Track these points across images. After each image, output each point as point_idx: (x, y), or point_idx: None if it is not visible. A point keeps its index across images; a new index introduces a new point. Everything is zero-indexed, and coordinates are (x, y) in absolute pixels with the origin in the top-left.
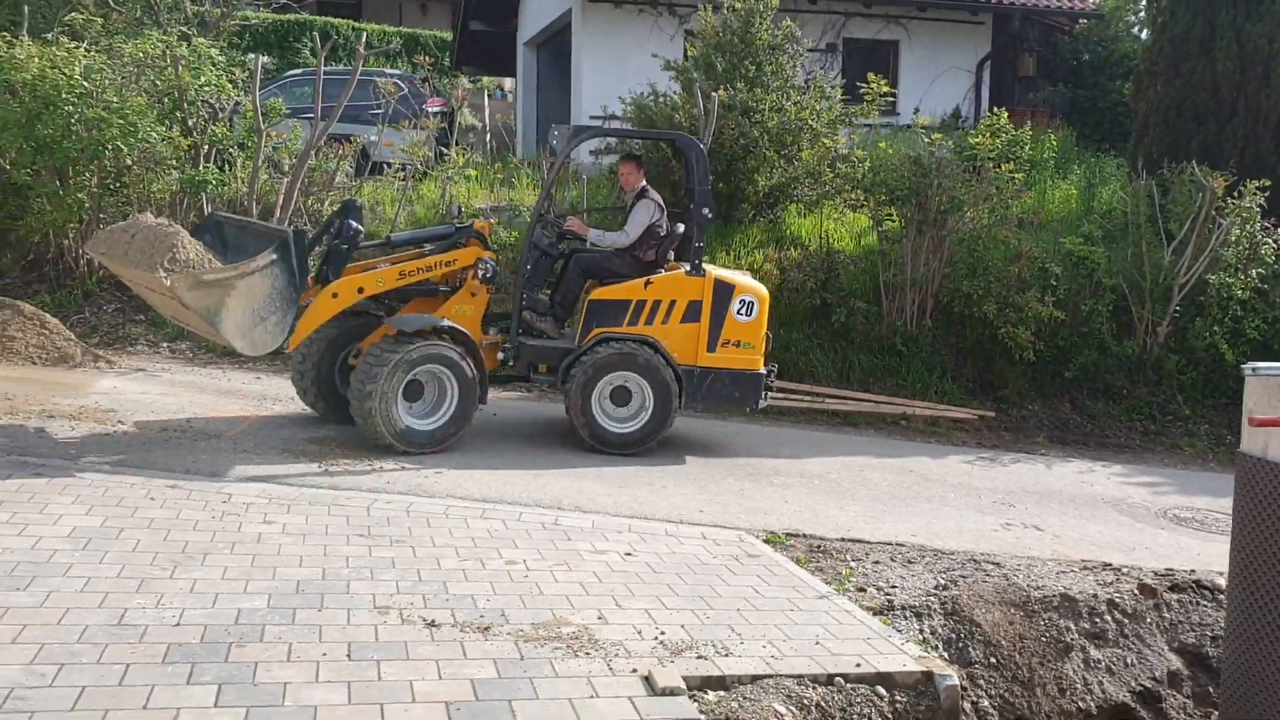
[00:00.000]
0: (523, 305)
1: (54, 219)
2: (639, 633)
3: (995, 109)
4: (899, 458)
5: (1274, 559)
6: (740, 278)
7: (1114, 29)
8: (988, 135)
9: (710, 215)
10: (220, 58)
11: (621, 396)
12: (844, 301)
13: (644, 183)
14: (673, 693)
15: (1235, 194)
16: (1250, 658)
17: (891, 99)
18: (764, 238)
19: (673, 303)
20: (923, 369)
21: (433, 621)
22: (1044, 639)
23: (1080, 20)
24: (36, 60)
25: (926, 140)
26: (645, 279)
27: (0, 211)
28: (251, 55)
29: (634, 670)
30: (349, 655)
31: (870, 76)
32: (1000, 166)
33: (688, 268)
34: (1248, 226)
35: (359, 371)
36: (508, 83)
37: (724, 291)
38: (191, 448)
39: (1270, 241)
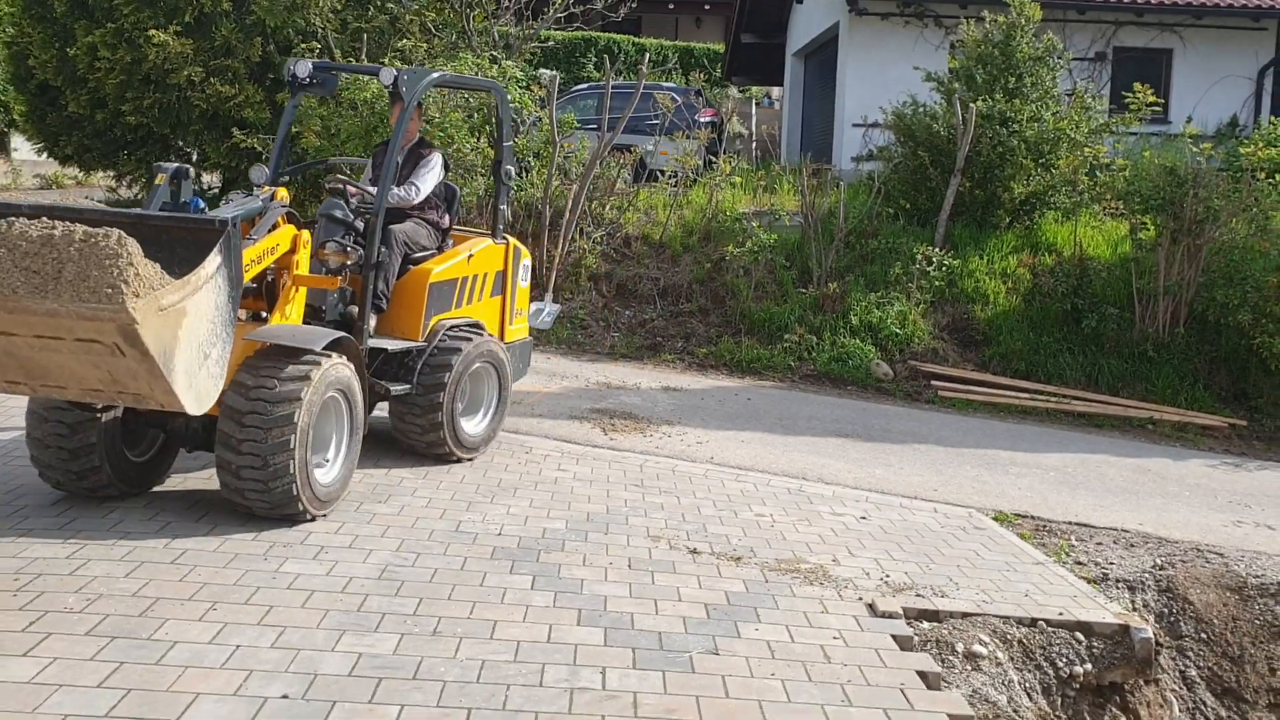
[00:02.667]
0: (377, 295)
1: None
2: (866, 574)
3: (1274, 117)
4: (1139, 458)
5: None
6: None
7: None
8: (1261, 145)
9: (513, 174)
10: (522, 76)
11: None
12: (1095, 307)
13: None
14: (891, 616)
15: None
16: None
17: (1159, 108)
18: (1018, 243)
19: (484, 276)
20: (1173, 376)
21: (694, 549)
22: (1258, 622)
23: None
24: (376, 82)
25: (1194, 150)
26: (468, 252)
27: None
28: (543, 70)
29: (859, 599)
30: (629, 566)
31: (1136, 86)
32: (1274, 177)
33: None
34: None
35: (247, 420)
36: (775, 91)
37: (517, 258)
38: None
39: None
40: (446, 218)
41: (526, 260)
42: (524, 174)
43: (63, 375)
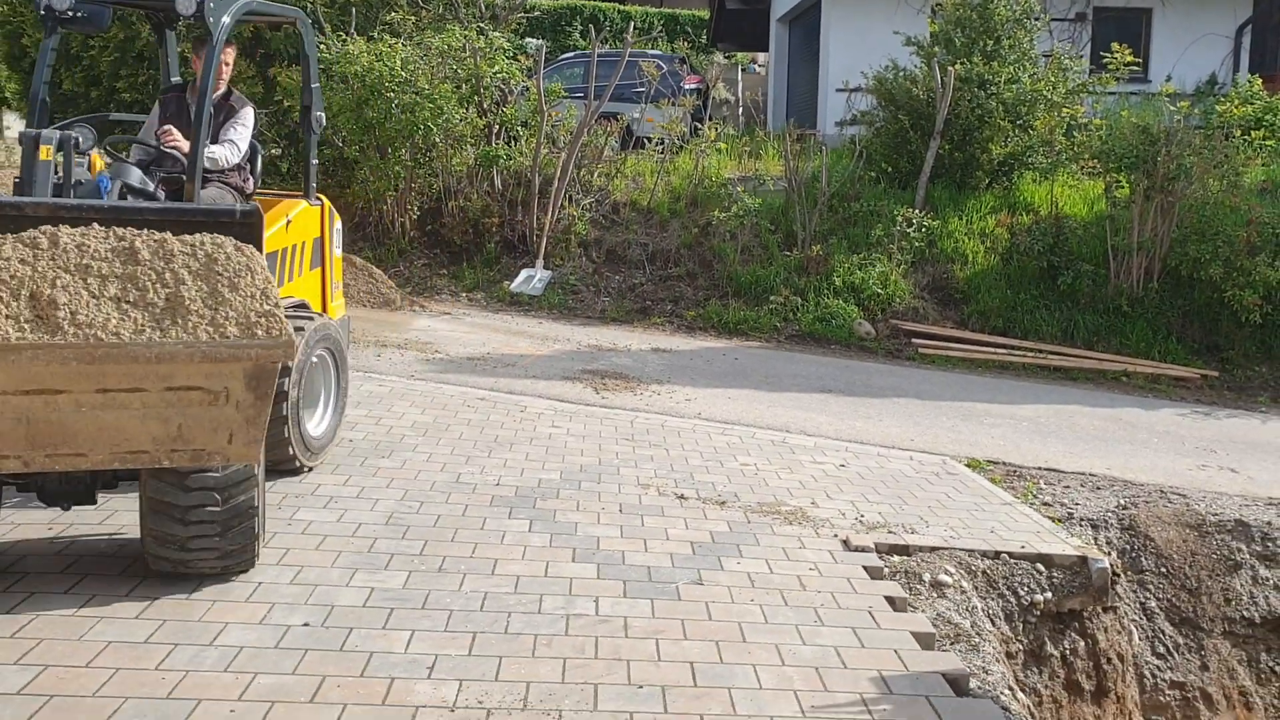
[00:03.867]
0: None
1: (376, 187)
2: (843, 514)
3: (1250, 75)
4: (1111, 408)
5: None
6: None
7: None
8: (1237, 103)
9: (323, 121)
10: (509, 46)
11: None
12: (1071, 264)
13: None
14: (863, 550)
15: None
16: None
17: (1138, 67)
18: (997, 203)
19: (303, 245)
20: (1147, 330)
21: (681, 495)
22: (1214, 556)
23: None
24: (365, 55)
25: (1172, 108)
26: (285, 218)
27: (332, 180)
28: (529, 40)
29: (835, 535)
30: (620, 510)
31: (1115, 46)
32: (1250, 134)
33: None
34: None
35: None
36: (760, 58)
37: (332, 222)
38: (493, 371)
39: None
40: (251, 181)
41: (339, 224)
42: (512, 143)
43: (97, 440)
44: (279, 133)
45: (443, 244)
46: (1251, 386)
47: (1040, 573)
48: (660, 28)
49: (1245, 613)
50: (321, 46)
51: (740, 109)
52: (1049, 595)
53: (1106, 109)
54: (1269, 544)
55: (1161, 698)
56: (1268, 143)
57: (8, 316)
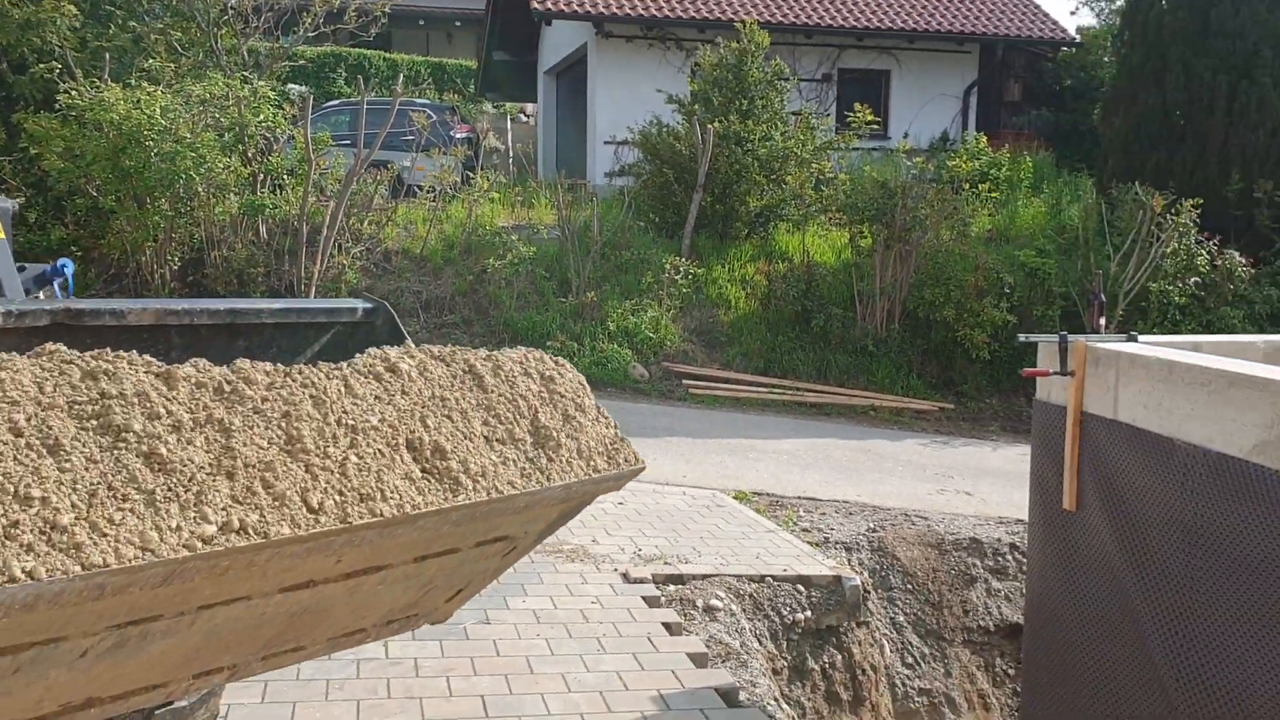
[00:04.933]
0: None
1: (133, 238)
2: (622, 549)
3: (976, 133)
4: (861, 440)
5: (1055, 477)
6: None
7: (1094, 56)
8: (964, 159)
9: None
10: (273, 95)
11: None
12: (823, 308)
13: None
14: (641, 581)
15: (1173, 210)
16: (1041, 567)
17: (878, 125)
18: (755, 252)
19: None
20: (890, 367)
21: None
22: (953, 572)
23: (1062, 48)
24: (122, 103)
25: (909, 164)
26: None
27: (86, 231)
28: (293, 86)
29: (615, 569)
30: None
31: (857, 106)
32: (978, 187)
33: None
34: (1184, 240)
35: None
36: (529, 108)
37: None
38: None
39: (1204, 253)
40: None
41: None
42: (279, 191)
43: (332, 623)
44: (25, 180)
45: (206, 295)
46: (983, 417)
47: (801, 593)
48: (427, 77)
49: (981, 622)
50: (74, 92)
51: (511, 158)
52: (809, 613)
53: (851, 164)
54: (999, 559)
55: (911, 704)
56: (992, 195)
57: (402, 476)
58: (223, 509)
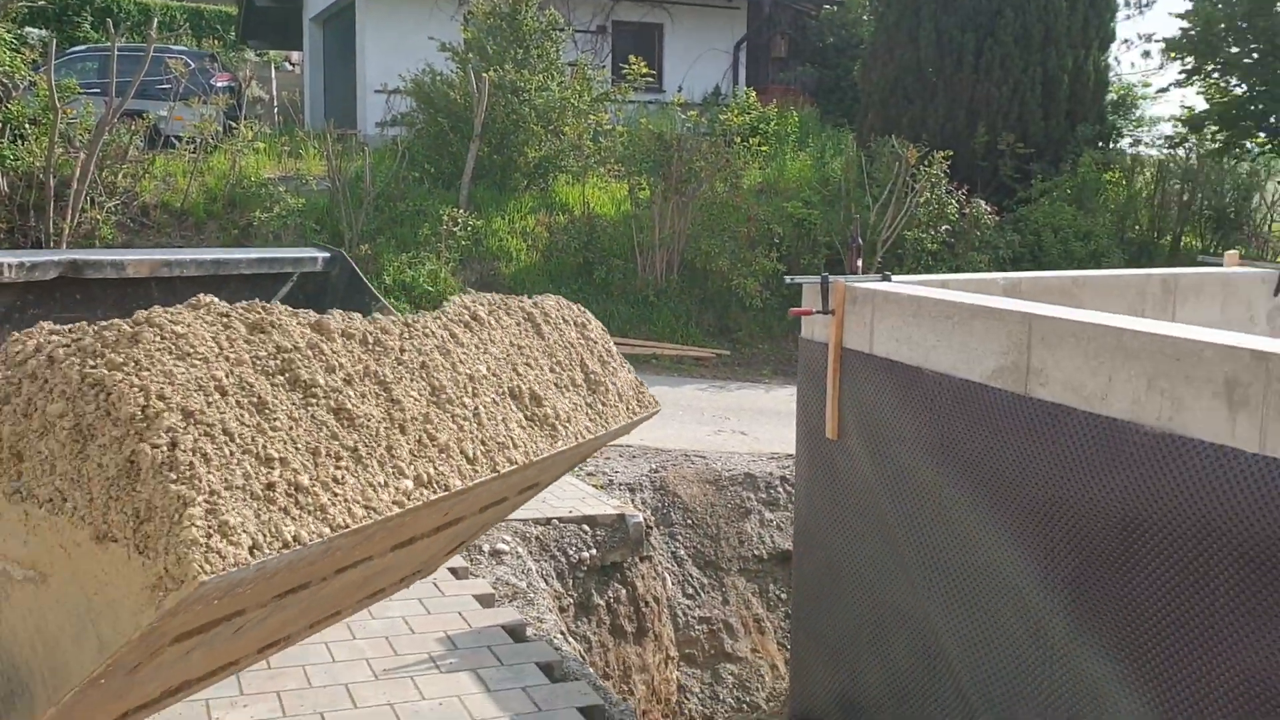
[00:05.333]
0: None
1: None
2: None
3: (746, 88)
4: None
5: (819, 409)
6: None
7: (854, 14)
8: (735, 112)
9: None
10: (9, 37)
11: None
12: (604, 260)
13: None
14: None
15: (926, 162)
16: (807, 494)
17: (653, 78)
18: (535, 204)
19: None
20: (670, 316)
21: None
22: (730, 506)
23: (824, 6)
24: None
25: (683, 117)
26: None
27: None
28: (31, 30)
29: None
30: None
31: (631, 58)
32: (749, 140)
33: None
34: (936, 190)
35: None
36: (295, 56)
37: None
38: None
39: (954, 202)
40: None
41: None
42: (20, 141)
43: (371, 586)
44: None
45: None
46: (757, 361)
47: (586, 533)
48: (184, 23)
49: (755, 551)
50: None
51: (276, 108)
52: (594, 552)
53: (628, 116)
54: (771, 491)
55: (692, 632)
56: (762, 149)
57: (516, 423)
58: (410, 463)
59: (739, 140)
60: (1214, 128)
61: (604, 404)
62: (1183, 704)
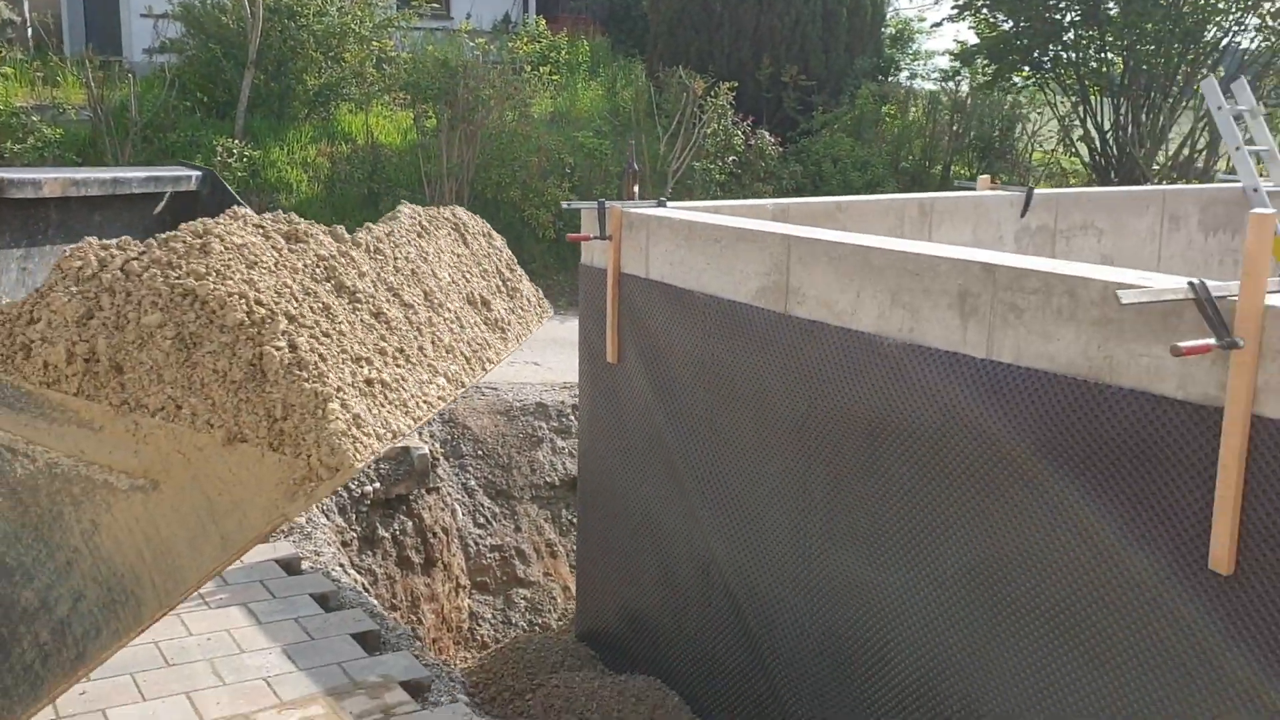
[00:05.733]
0: None
1: None
2: None
3: (537, 16)
4: None
5: (600, 334)
6: None
7: None
8: (526, 40)
9: None
10: None
11: None
12: (390, 190)
13: None
14: None
15: (713, 93)
16: (590, 419)
17: (439, 4)
18: (316, 133)
19: None
20: None
21: None
22: (521, 435)
23: None
24: None
25: (472, 45)
26: None
27: None
28: None
29: None
30: None
31: None
32: (539, 69)
33: None
34: (722, 121)
35: None
36: None
37: None
38: None
39: (740, 134)
40: None
41: None
42: None
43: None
44: None
45: None
46: (551, 293)
47: (369, 466)
48: None
49: (548, 479)
50: None
51: (30, 30)
52: (378, 485)
53: (414, 43)
54: (563, 419)
55: (484, 560)
56: (554, 78)
57: (480, 325)
58: (435, 362)
59: (529, 69)
60: (984, 61)
61: (522, 308)
62: (923, 587)
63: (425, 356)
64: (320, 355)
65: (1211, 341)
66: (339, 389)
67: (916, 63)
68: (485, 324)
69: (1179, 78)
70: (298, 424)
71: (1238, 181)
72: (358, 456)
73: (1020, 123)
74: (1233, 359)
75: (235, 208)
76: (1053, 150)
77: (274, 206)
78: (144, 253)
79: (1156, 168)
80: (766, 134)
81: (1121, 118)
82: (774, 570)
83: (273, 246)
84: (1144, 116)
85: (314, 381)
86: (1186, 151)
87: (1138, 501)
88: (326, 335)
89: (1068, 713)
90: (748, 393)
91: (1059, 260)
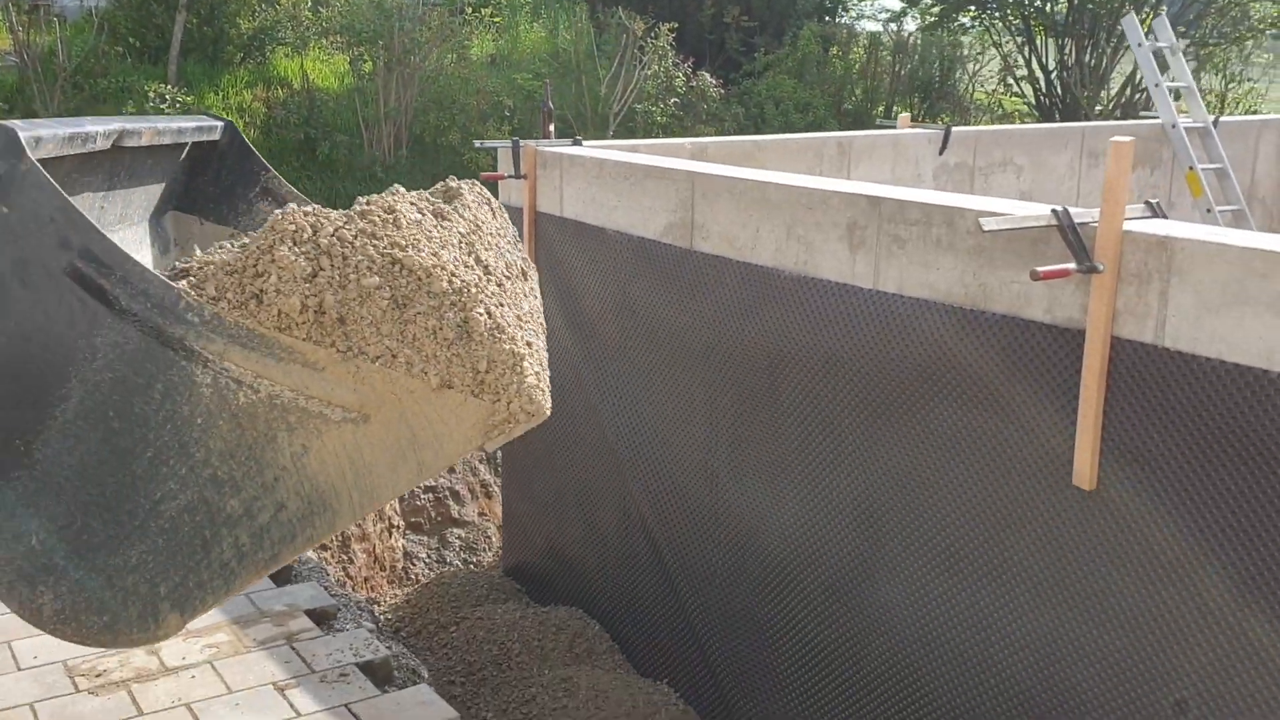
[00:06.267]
0: None
1: None
2: None
3: None
4: None
5: None
6: None
7: None
8: None
9: None
10: None
11: None
12: (328, 136)
13: None
14: None
15: (653, 34)
16: None
17: None
18: (251, 78)
19: None
20: None
21: None
22: None
23: None
24: None
25: None
26: None
27: None
28: None
29: None
30: None
31: None
32: (480, 11)
33: None
34: (663, 63)
35: None
36: None
37: None
38: None
39: (681, 75)
40: None
41: None
42: None
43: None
44: None
45: None
46: None
47: None
48: None
49: None
50: None
51: None
52: None
53: None
54: None
55: (418, 502)
56: (495, 19)
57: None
58: (531, 332)
59: (469, 10)
60: (931, 2)
61: (534, 284)
62: (819, 515)
63: (526, 324)
64: (507, 320)
65: (1071, 266)
66: (527, 349)
67: (863, 3)
68: (531, 294)
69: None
70: (499, 377)
71: (1158, 118)
72: (548, 407)
73: (961, 64)
74: (1093, 283)
75: (396, 187)
76: (993, 91)
77: None
78: (349, 222)
79: (1100, 108)
80: (708, 76)
81: (1066, 58)
82: (685, 502)
83: (432, 223)
84: (1087, 57)
85: (509, 344)
86: (1129, 92)
87: (1011, 424)
88: (501, 304)
89: (952, 633)
90: (658, 329)
91: (943, 192)
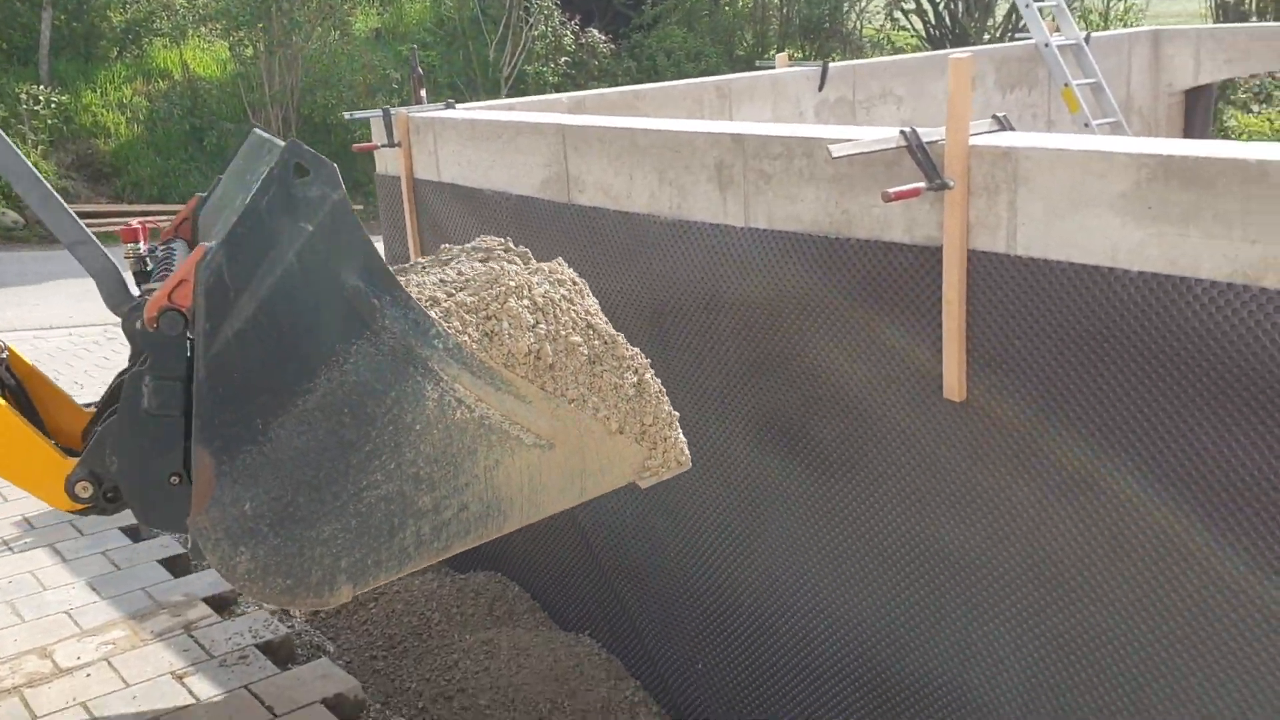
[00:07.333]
0: None
1: None
2: None
3: None
4: None
5: (400, 242)
6: None
7: None
8: None
9: None
10: None
11: None
12: (214, 125)
13: None
14: None
15: None
16: None
17: None
18: (130, 73)
19: None
20: None
21: None
22: None
23: None
24: None
25: None
26: None
27: None
28: None
29: None
30: None
31: None
32: None
33: None
34: (550, 22)
35: None
36: None
37: None
38: None
39: (569, 33)
40: None
41: None
42: None
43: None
44: None
45: None
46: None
47: None
48: None
49: None
50: None
51: None
52: None
53: None
54: None
55: None
56: None
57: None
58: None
59: None
60: None
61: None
62: (711, 459)
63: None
64: (661, 386)
65: (921, 185)
66: (675, 413)
67: None
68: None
69: None
70: (659, 431)
71: (1031, 39)
72: (689, 461)
73: (849, 1)
74: (946, 199)
75: (540, 264)
76: (881, 26)
77: (92, 153)
78: (551, 287)
79: (988, 36)
80: (597, 32)
81: None
82: None
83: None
84: None
85: (668, 405)
86: (1015, 18)
87: (881, 346)
88: (653, 372)
89: (846, 550)
90: None
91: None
